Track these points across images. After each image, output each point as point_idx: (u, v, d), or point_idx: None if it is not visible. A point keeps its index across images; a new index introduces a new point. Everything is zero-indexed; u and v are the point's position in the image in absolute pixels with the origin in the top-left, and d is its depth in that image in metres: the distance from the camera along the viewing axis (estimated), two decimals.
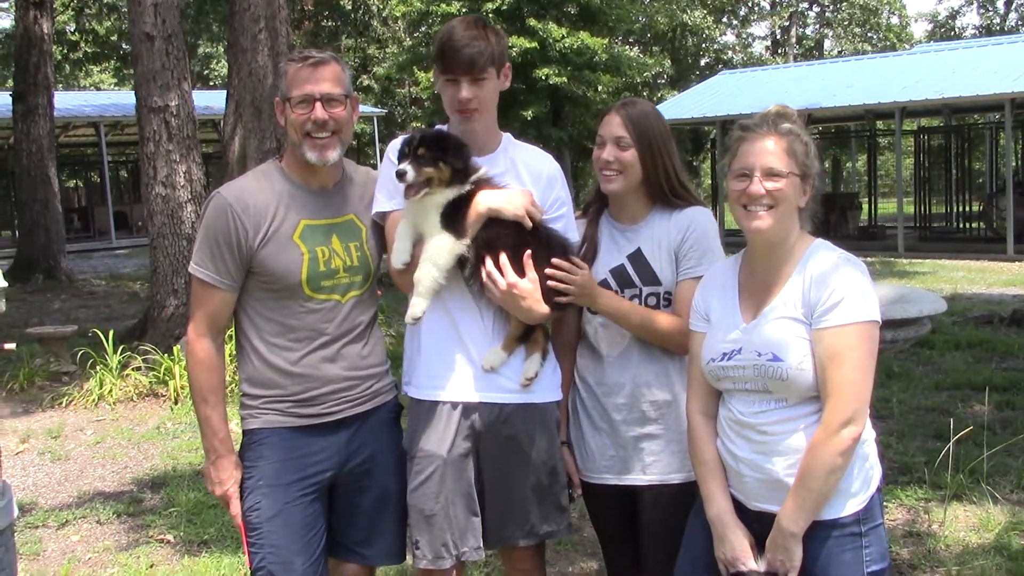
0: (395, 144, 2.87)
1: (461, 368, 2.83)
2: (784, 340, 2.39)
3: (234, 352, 3.05)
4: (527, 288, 2.74)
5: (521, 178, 2.90)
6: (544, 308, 2.78)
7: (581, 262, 2.84)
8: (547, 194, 2.91)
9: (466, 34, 2.76)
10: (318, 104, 2.78)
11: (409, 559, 3.02)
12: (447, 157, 2.72)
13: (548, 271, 2.78)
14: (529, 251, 2.76)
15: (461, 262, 2.79)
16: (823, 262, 2.42)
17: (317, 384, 2.84)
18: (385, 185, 2.89)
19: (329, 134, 2.81)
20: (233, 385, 5.83)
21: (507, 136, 3.00)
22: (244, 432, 2.92)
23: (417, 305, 2.75)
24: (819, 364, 2.35)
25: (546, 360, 2.91)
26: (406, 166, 2.69)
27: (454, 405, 2.83)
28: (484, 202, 2.76)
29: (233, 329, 2.98)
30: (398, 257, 2.81)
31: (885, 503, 4.30)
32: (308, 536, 2.84)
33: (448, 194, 2.74)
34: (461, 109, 2.81)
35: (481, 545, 2.88)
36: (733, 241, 2.60)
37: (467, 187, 2.76)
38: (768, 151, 2.42)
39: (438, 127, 2.90)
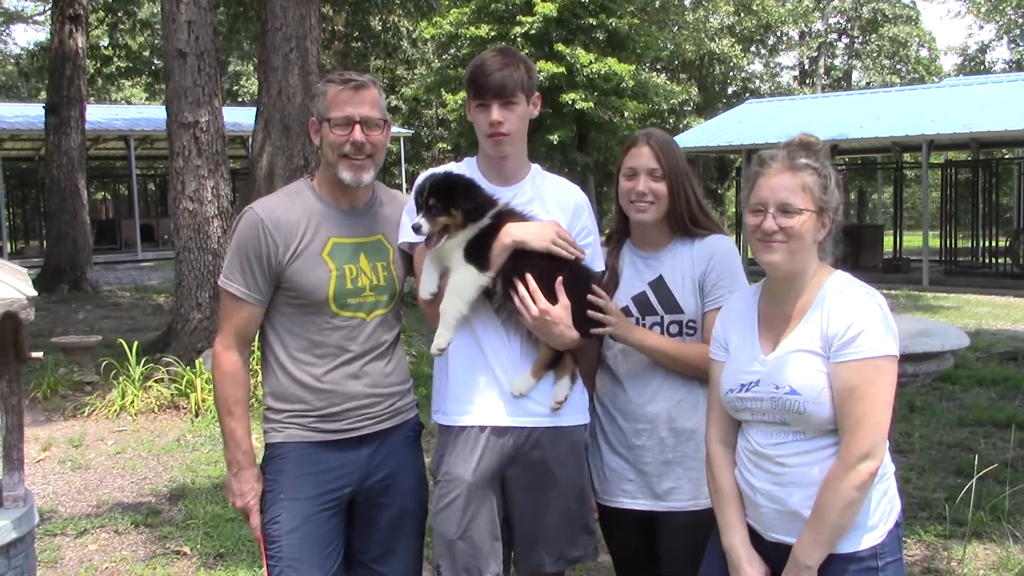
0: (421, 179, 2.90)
1: (489, 392, 2.85)
2: (802, 374, 2.39)
3: (258, 365, 3.07)
4: (559, 314, 2.77)
5: (547, 206, 2.93)
6: (575, 334, 2.80)
7: (604, 294, 2.87)
8: (574, 223, 2.94)
9: (497, 61, 2.83)
10: (357, 127, 2.83)
11: None
12: (456, 201, 2.76)
13: (590, 298, 2.81)
14: (560, 277, 2.79)
15: (488, 292, 2.82)
16: (842, 295, 2.42)
17: (340, 400, 2.87)
18: (413, 214, 2.93)
19: (365, 157, 2.86)
20: (254, 400, 5.88)
21: (536, 167, 3.03)
22: (266, 445, 2.95)
23: (442, 336, 2.80)
24: (837, 398, 2.34)
25: (575, 383, 2.92)
26: (420, 220, 2.73)
27: (482, 428, 2.84)
28: (509, 235, 2.79)
29: (259, 342, 3.02)
30: (425, 288, 2.85)
31: (904, 538, 4.26)
32: (326, 551, 2.86)
33: (467, 233, 2.78)
34: (492, 133, 2.84)
35: (501, 571, 2.87)
36: (755, 270, 2.62)
37: (487, 221, 2.79)
38: (782, 187, 2.42)
39: (446, 170, 2.91)
